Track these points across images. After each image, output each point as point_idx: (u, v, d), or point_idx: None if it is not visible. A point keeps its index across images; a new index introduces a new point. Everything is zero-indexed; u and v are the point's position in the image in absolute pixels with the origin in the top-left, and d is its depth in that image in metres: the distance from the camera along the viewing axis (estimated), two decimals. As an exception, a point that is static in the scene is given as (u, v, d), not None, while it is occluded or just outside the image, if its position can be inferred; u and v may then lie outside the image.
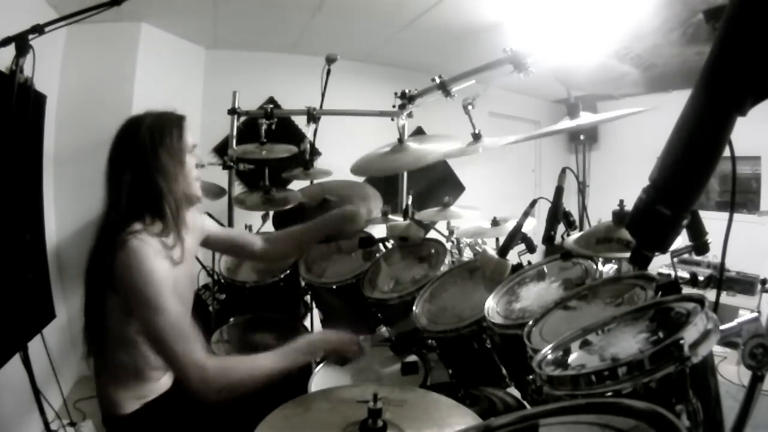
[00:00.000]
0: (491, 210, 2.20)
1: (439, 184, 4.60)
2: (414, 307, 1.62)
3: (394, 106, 2.67)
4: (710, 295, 0.92)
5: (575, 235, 1.53)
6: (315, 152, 2.66)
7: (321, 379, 1.65)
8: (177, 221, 1.30)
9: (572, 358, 0.93)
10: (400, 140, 2.03)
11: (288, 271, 2.18)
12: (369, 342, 1.50)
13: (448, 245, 2.13)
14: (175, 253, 1.28)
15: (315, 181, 2.57)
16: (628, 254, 0.84)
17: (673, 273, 1.05)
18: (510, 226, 1.72)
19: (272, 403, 1.08)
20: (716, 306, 0.89)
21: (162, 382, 1.35)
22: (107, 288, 1.19)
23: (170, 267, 1.23)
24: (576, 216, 1.52)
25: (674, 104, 0.70)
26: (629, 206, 0.75)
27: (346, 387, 1.42)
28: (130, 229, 1.19)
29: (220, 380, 1.12)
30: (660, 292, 1.05)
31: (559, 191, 1.48)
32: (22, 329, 1.88)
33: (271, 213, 2.44)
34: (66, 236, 2.88)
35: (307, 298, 2.29)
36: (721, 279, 1.10)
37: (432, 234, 2.32)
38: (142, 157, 1.26)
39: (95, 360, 1.30)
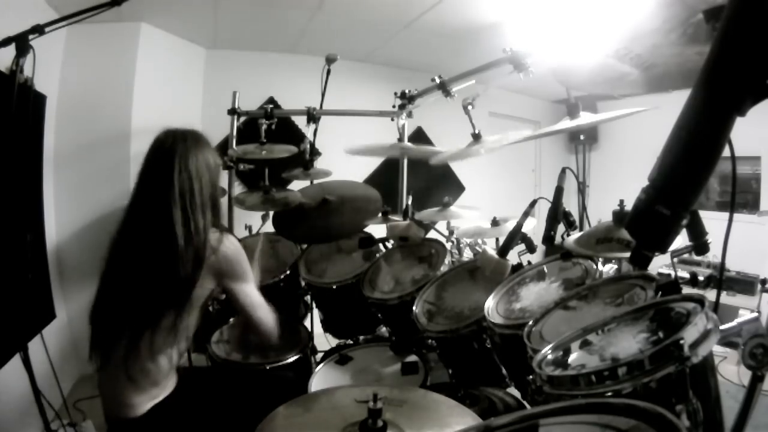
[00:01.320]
0: (491, 210, 2.20)
1: (439, 184, 4.60)
2: (414, 307, 1.62)
3: (394, 106, 2.67)
4: (710, 295, 0.92)
5: (575, 235, 1.53)
6: (315, 152, 2.66)
7: (321, 379, 1.66)
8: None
9: (572, 358, 0.94)
10: (400, 140, 2.03)
11: (288, 272, 2.18)
12: None
13: (448, 245, 2.13)
14: None
15: (315, 181, 2.57)
16: (628, 254, 0.84)
17: (673, 273, 1.05)
18: (510, 226, 1.72)
19: (272, 403, 1.08)
20: (716, 306, 0.89)
21: (168, 385, 1.35)
22: (193, 285, 1.30)
23: None
24: (576, 216, 1.53)
25: (674, 104, 0.70)
26: (629, 206, 0.75)
27: (346, 387, 1.43)
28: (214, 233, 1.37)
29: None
30: (660, 292, 1.05)
31: (559, 191, 1.48)
32: (22, 329, 1.88)
33: (271, 213, 2.44)
34: (66, 236, 2.88)
35: (307, 298, 2.29)
36: (721, 279, 1.10)
37: (432, 234, 2.32)
38: (212, 177, 1.43)
39: (114, 363, 1.29)
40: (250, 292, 1.46)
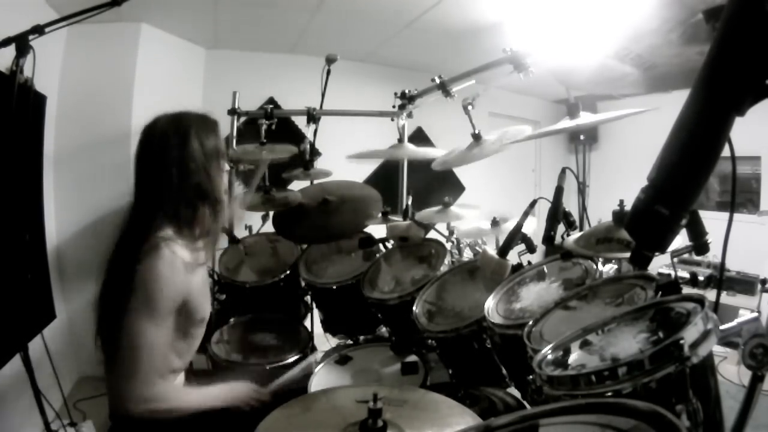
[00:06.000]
0: (491, 210, 2.20)
1: (439, 184, 4.60)
2: (414, 307, 1.62)
3: (394, 106, 2.67)
4: (710, 295, 0.92)
5: (575, 235, 1.53)
6: (315, 152, 2.66)
7: (321, 379, 1.65)
8: (210, 224, 1.31)
9: (572, 358, 0.93)
10: (400, 140, 2.03)
11: (288, 272, 2.19)
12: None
13: (448, 245, 2.13)
14: (202, 256, 1.30)
15: (315, 182, 2.57)
16: (628, 254, 0.84)
17: (673, 273, 1.05)
18: (510, 226, 1.72)
19: (272, 403, 1.08)
20: (716, 306, 0.89)
21: (176, 382, 1.35)
22: (129, 289, 1.19)
23: (191, 279, 1.25)
24: (576, 216, 1.52)
25: (674, 104, 0.70)
26: (629, 206, 0.75)
27: (346, 387, 1.42)
28: (163, 235, 1.20)
29: (144, 409, 1.16)
30: (660, 292, 1.05)
31: (559, 191, 1.48)
32: (22, 329, 1.88)
33: (271, 213, 2.44)
34: (66, 236, 2.88)
35: (307, 298, 2.29)
36: (721, 279, 1.10)
37: (432, 234, 2.32)
38: (183, 158, 1.24)
39: (109, 357, 1.28)
40: (142, 325, 1.16)
